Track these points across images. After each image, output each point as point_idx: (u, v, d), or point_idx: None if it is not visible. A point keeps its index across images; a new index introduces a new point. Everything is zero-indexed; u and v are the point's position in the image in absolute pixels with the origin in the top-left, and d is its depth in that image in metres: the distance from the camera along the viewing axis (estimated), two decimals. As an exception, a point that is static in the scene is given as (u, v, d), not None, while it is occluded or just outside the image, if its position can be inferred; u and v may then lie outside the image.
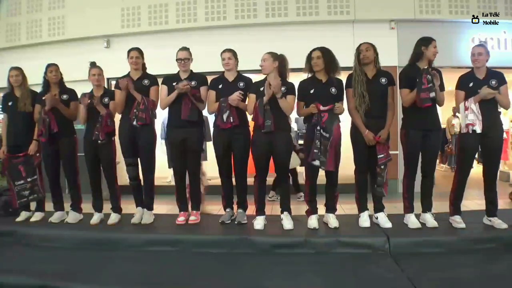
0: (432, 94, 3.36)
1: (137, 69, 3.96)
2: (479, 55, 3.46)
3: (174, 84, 3.77)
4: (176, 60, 3.84)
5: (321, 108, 3.45)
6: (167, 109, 3.93)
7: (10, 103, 4.12)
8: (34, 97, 4.11)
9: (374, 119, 3.55)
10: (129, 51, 3.96)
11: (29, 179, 4.06)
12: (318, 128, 3.46)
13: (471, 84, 3.49)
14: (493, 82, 3.46)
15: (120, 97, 3.87)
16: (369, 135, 3.53)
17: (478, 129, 3.39)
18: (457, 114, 9.28)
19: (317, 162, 3.49)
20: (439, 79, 3.41)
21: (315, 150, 3.47)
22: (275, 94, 3.51)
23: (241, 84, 3.80)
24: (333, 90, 3.57)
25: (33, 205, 4.26)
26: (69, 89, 4.16)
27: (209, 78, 3.94)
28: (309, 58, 3.63)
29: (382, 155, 3.53)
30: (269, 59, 3.62)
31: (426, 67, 3.45)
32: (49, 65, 4.06)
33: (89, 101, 3.82)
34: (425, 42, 3.54)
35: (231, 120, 3.65)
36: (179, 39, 5.72)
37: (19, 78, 4.10)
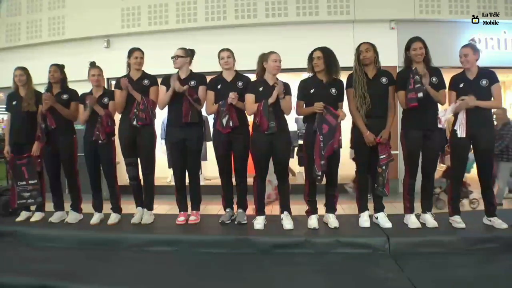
0: (420, 94, 3.36)
1: (138, 69, 3.97)
2: (466, 56, 3.46)
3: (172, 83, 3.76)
4: (171, 57, 3.85)
5: (326, 110, 3.44)
6: (166, 109, 3.93)
7: (14, 102, 4.14)
8: (38, 97, 4.12)
9: (375, 119, 3.54)
10: (132, 51, 3.96)
11: (30, 182, 4.06)
12: (322, 138, 3.44)
13: (461, 85, 3.49)
14: (484, 82, 3.45)
15: (120, 97, 3.87)
16: (369, 137, 3.52)
17: (460, 134, 3.43)
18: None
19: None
20: (428, 77, 3.41)
21: (322, 162, 3.46)
22: (278, 96, 3.53)
23: (240, 83, 3.79)
24: (333, 90, 3.57)
25: (33, 205, 4.25)
26: (70, 89, 4.16)
27: (209, 78, 3.94)
28: (311, 58, 3.63)
29: (383, 156, 3.53)
30: (281, 61, 3.65)
31: (414, 68, 3.45)
32: (50, 65, 4.08)
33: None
34: (407, 45, 3.56)
35: (231, 125, 3.64)
36: (179, 39, 5.74)
37: (23, 78, 4.11)
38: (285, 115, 3.72)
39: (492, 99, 3.48)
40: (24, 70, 4.15)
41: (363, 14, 6.34)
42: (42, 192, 4.17)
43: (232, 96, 3.62)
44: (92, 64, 4.03)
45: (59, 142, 4.03)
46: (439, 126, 3.47)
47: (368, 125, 3.54)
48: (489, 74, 3.49)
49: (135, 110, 3.79)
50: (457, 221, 3.55)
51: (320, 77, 3.61)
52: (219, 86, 3.80)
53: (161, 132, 6.43)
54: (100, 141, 3.84)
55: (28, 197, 4.09)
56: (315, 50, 3.62)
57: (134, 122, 3.79)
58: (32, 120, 4.05)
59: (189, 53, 3.90)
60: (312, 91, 3.59)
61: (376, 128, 3.54)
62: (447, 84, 3.63)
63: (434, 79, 3.50)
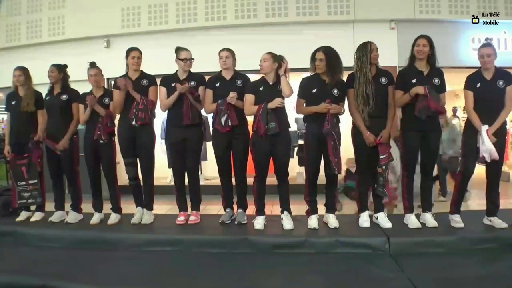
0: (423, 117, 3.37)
1: (136, 69, 3.96)
2: (488, 57, 3.39)
3: (173, 84, 3.76)
4: (181, 59, 3.82)
5: (331, 106, 3.43)
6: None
7: (13, 102, 4.15)
8: (37, 97, 4.12)
9: (375, 119, 3.53)
10: (129, 51, 3.95)
11: (30, 182, 4.06)
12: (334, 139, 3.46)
13: (478, 85, 3.44)
14: (500, 83, 3.41)
15: (118, 97, 3.87)
16: (370, 137, 3.51)
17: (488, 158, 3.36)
18: (457, 114, 9.28)
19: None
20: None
21: (336, 159, 3.48)
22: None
23: (239, 82, 3.79)
24: (335, 91, 3.55)
25: (33, 205, 4.25)
26: (71, 89, 4.14)
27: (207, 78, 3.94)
28: (313, 58, 3.60)
29: (384, 156, 3.52)
30: (269, 60, 3.61)
31: (433, 87, 3.39)
32: (50, 66, 4.08)
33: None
34: (413, 43, 3.54)
35: (229, 124, 3.64)
36: (179, 39, 5.74)
37: (22, 78, 4.11)
38: (287, 117, 3.71)
39: (506, 100, 3.43)
40: (23, 70, 4.14)
41: (363, 14, 6.34)
42: (42, 192, 4.18)
43: (231, 96, 3.62)
44: (92, 65, 4.02)
45: (59, 142, 4.02)
46: (488, 160, 3.36)
47: (368, 125, 3.53)
48: (506, 75, 3.45)
49: (134, 110, 3.79)
50: (456, 220, 3.54)
51: (323, 77, 3.59)
52: (217, 84, 3.80)
53: (161, 132, 6.44)
54: (101, 141, 3.84)
55: (28, 197, 4.09)
56: (318, 50, 3.58)
57: (134, 122, 3.78)
58: (31, 120, 4.06)
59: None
60: (314, 91, 3.57)
61: (376, 128, 3.53)
62: (447, 85, 3.62)
63: (436, 80, 3.49)
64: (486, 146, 3.29)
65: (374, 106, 3.48)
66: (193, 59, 3.87)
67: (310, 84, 3.63)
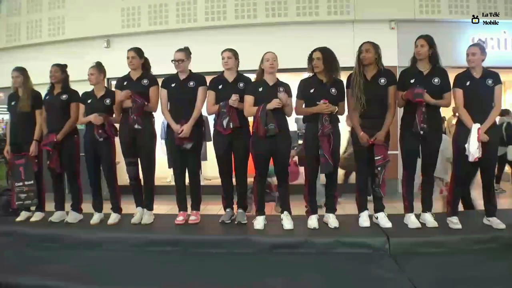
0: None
1: (135, 69, 3.95)
2: (473, 55, 3.44)
3: (173, 85, 3.76)
4: (172, 61, 3.84)
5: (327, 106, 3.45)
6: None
7: (13, 103, 4.16)
8: (36, 98, 4.12)
9: (371, 119, 3.52)
10: (127, 52, 3.95)
11: (26, 183, 4.06)
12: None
13: (468, 83, 3.46)
14: (489, 82, 3.44)
15: (117, 106, 3.88)
16: (363, 137, 3.51)
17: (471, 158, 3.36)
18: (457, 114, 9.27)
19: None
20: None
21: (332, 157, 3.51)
22: (283, 107, 3.55)
23: (241, 84, 3.78)
24: (333, 90, 3.56)
25: (30, 206, 4.25)
26: (71, 89, 4.14)
27: (209, 78, 3.94)
28: (310, 58, 3.62)
29: (379, 157, 3.49)
30: (276, 60, 3.63)
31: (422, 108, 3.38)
32: (52, 65, 4.09)
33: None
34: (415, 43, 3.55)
35: (231, 126, 3.64)
36: (179, 39, 5.75)
37: (19, 80, 4.11)
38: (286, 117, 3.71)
39: (495, 99, 3.48)
40: (20, 71, 4.14)
41: (363, 14, 6.34)
42: (42, 192, 4.19)
43: (233, 99, 3.62)
44: (96, 64, 4.03)
45: (60, 141, 4.01)
46: (471, 160, 3.36)
47: (365, 126, 3.53)
48: (494, 75, 3.48)
49: (132, 116, 3.76)
50: (454, 222, 3.54)
51: (320, 77, 3.60)
52: (220, 86, 3.80)
53: (161, 132, 6.44)
54: (100, 139, 3.82)
55: (25, 198, 4.08)
56: (314, 50, 3.60)
57: (136, 126, 3.76)
58: (28, 120, 4.06)
59: (189, 53, 3.89)
60: (312, 91, 3.58)
61: (373, 129, 3.52)
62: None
63: (436, 80, 3.48)
64: (471, 144, 3.31)
65: (366, 106, 3.48)
66: (183, 60, 3.79)
67: (308, 84, 3.64)
